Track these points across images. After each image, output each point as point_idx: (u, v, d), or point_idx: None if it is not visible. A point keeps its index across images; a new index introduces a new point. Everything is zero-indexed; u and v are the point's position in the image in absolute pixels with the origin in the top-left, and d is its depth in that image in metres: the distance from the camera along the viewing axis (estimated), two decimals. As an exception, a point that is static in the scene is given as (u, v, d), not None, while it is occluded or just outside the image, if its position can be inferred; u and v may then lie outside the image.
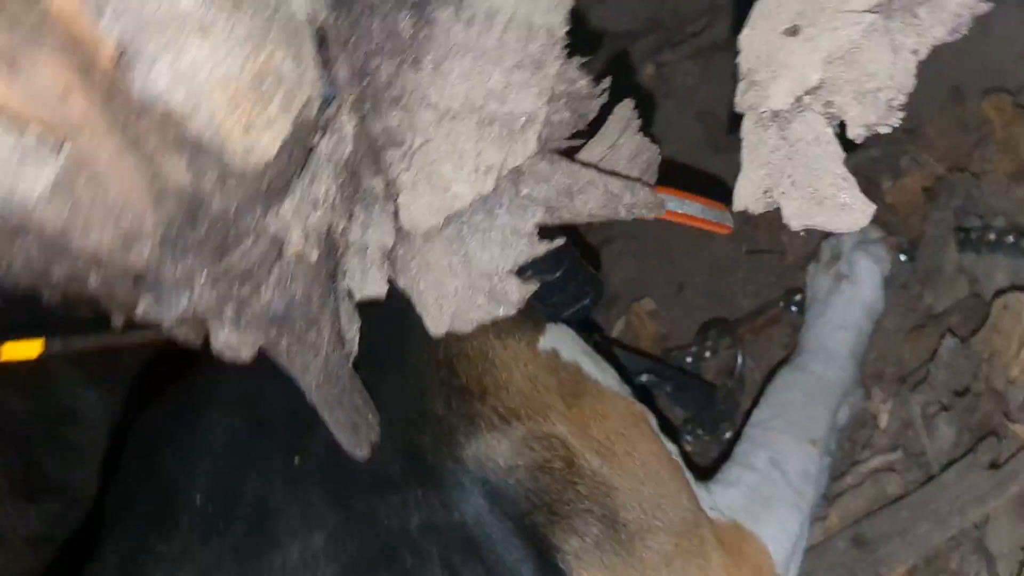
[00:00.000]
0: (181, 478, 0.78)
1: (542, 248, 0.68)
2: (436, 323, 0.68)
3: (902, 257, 1.31)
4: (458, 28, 0.65)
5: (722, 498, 0.97)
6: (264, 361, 0.64)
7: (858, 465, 1.16)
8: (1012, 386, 1.00)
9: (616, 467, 0.82)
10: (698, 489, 0.93)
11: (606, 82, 0.72)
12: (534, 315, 0.92)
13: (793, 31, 0.59)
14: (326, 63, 0.61)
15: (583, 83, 0.69)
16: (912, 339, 1.21)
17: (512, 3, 0.66)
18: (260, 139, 0.54)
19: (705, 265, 1.53)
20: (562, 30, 0.67)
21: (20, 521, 0.97)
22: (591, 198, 0.70)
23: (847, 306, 1.27)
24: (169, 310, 0.56)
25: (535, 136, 0.66)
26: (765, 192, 0.61)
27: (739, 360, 1.45)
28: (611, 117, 0.79)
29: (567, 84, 0.69)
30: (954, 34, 0.55)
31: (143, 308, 0.56)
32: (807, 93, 0.58)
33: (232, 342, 0.59)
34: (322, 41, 0.59)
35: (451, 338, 0.82)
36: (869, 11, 0.55)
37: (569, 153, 0.76)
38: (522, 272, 1.01)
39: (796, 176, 0.59)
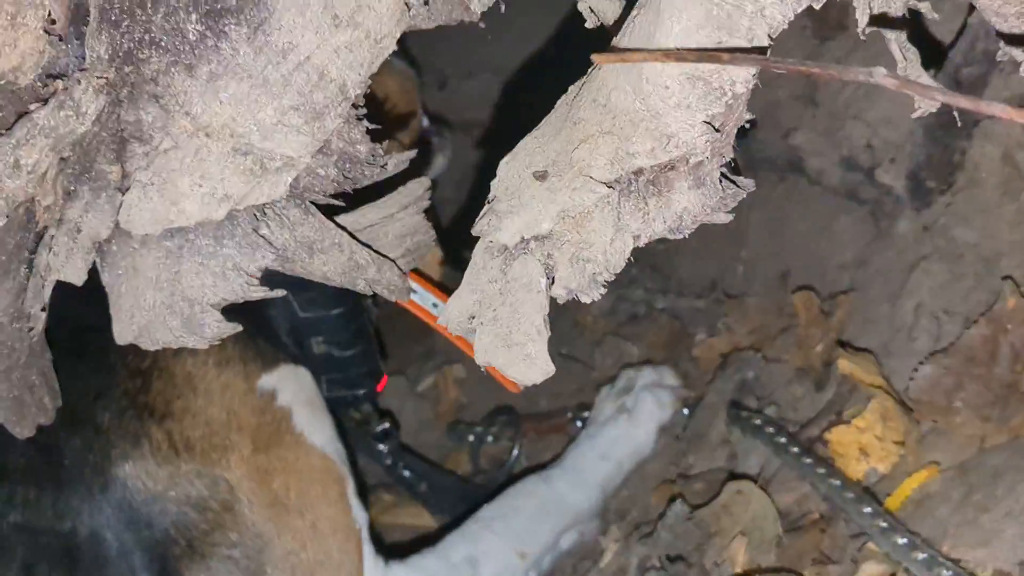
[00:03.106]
0: None
1: (258, 294, 0.65)
2: (122, 331, 0.65)
3: (685, 411, 1.34)
4: (247, 51, 0.63)
5: None
6: None
7: (569, 593, 1.16)
8: (717, 568, 1.02)
9: (281, 524, 0.80)
10: (375, 565, 0.92)
11: (393, 157, 0.71)
12: (274, 352, 0.89)
13: (543, 175, 0.58)
14: (78, 36, 0.58)
15: (363, 148, 0.68)
16: (661, 491, 1.23)
17: (312, 46, 0.64)
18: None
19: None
20: (356, 90, 0.66)
21: None
22: (332, 261, 0.69)
23: (617, 439, 1.28)
24: None
25: (288, 181, 0.64)
26: (470, 317, 0.60)
27: (514, 454, 1.46)
28: (401, 189, 0.78)
29: (345, 143, 0.68)
30: (675, 233, 0.56)
31: None
32: (534, 239, 0.58)
33: None
34: (77, 11, 0.55)
35: (166, 352, 0.79)
36: (607, 184, 0.56)
37: (341, 210, 0.74)
38: (317, 336, 0.99)
39: (500, 313, 0.59)
